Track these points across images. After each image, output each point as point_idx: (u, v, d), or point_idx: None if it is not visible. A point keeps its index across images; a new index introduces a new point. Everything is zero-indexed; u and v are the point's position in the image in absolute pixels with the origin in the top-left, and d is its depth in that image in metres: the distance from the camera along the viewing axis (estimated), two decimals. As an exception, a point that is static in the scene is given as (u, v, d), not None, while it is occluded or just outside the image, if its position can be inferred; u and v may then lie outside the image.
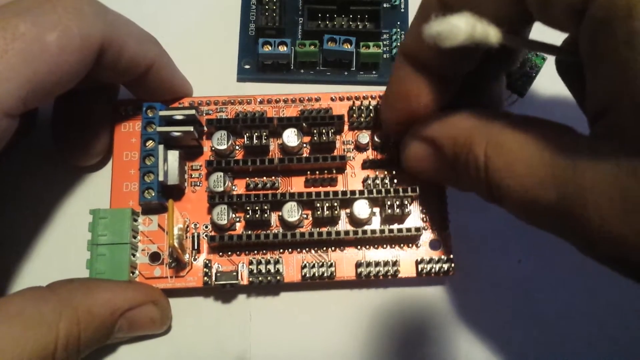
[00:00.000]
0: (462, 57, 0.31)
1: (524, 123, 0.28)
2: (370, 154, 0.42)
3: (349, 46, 0.45)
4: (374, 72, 0.46)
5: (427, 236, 0.41)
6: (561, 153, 0.25)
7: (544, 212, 0.27)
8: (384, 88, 0.42)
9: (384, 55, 0.46)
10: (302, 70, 0.46)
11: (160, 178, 0.39)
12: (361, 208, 0.39)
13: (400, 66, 0.34)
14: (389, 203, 0.39)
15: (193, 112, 0.39)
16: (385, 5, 0.47)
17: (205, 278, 0.39)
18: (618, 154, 0.23)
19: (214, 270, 0.40)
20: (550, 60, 0.42)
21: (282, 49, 0.44)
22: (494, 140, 0.29)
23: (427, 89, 0.33)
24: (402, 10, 0.48)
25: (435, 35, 0.27)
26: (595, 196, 0.24)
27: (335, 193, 0.39)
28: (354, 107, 0.42)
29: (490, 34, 0.27)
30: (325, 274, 0.39)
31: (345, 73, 0.46)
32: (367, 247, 0.41)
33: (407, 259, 0.40)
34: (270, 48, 0.44)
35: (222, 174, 0.40)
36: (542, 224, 0.28)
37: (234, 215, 0.40)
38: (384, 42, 0.47)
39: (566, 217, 0.25)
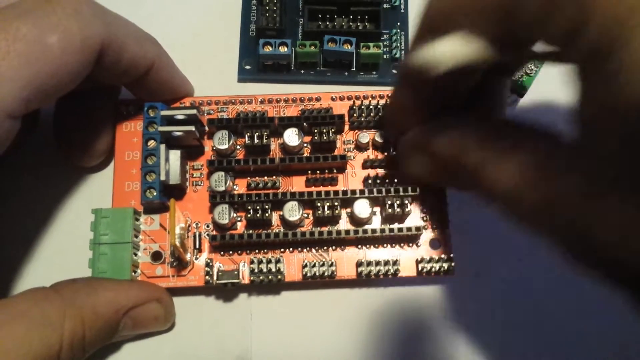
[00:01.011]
0: (457, 80, 0.31)
1: (515, 130, 0.29)
2: (370, 153, 0.42)
3: (349, 47, 0.45)
4: (374, 73, 0.46)
5: (427, 235, 0.41)
6: (546, 159, 0.26)
7: (534, 215, 0.27)
8: (384, 88, 0.43)
9: (384, 56, 0.47)
10: (302, 71, 0.46)
11: (162, 177, 0.39)
12: (362, 207, 0.40)
13: (398, 89, 0.34)
14: (389, 202, 0.39)
15: (194, 111, 0.39)
16: (385, 5, 0.48)
17: (207, 277, 0.39)
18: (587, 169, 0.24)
19: (215, 269, 0.40)
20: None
21: (283, 49, 0.45)
22: (485, 151, 0.28)
23: (426, 112, 0.34)
24: (402, 10, 0.48)
25: (423, 64, 0.27)
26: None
27: (336, 192, 0.39)
28: (354, 107, 0.42)
29: (479, 54, 0.26)
30: (326, 273, 0.39)
31: (346, 74, 0.46)
32: (368, 246, 0.41)
33: (407, 258, 0.40)
34: (270, 49, 0.44)
35: (223, 173, 0.40)
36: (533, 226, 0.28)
37: (235, 215, 0.40)
38: (384, 43, 0.47)
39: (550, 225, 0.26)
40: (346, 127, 0.43)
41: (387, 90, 0.43)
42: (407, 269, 0.40)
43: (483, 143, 0.29)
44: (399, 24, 0.48)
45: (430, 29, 0.28)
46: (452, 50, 0.26)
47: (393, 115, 0.37)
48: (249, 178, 0.41)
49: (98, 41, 0.34)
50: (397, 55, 0.46)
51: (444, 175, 0.33)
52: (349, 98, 0.43)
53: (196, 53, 0.47)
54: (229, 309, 0.41)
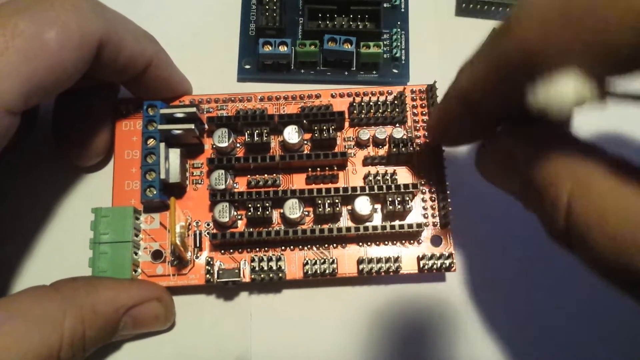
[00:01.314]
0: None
1: (617, 164, 0.24)
2: (371, 150, 0.42)
3: (349, 46, 0.45)
4: (374, 72, 0.46)
5: (428, 232, 0.41)
6: None
7: (636, 278, 0.23)
8: (384, 88, 0.43)
9: (384, 55, 0.47)
10: (302, 70, 0.46)
11: (162, 176, 0.39)
12: (362, 205, 0.39)
13: (451, 108, 0.32)
14: (390, 199, 0.39)
15: (194, 109, 0.39)
16: (385, 5, 0.47)
17: (208, 276, 0.39)
18: None
19: (216, 268, 0.40)
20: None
21: (283, 49, 0.44)
22: (582, 180, 0.24)
23: (478, 130, 0.32)
24: (403, 10, 0.48)
25: (545, 106, 0.23)
26: None
27: (337, 190, 0.39)
28: (354, 104, 0.42)
29: (596, 93, 0.23)
30: (327, 271, 0.39)
31: (346, 73, 0.46)
32: (369, 243, 0.41)
33: (408, 255, 0.40)
34: (270, 48, 0.44)
35: (223, 171, 0.40)
36: (630, 289, 0.24)
37: (235, 213, 0.40)
38: (384, 42, 0.47)
39: None
40: (346, 124, 0.43)
41: (387, 87, 0.43)
42: (409, 266, 0.40)
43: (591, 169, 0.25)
44: (399, 23, 0.48)
45: (529, 64, 0.25)
46: (575, 91, 0.23)
47: (445, 127, 0.35)
48: (249, 176, 0.41)
49: (96, 37, 0.34)
50: (398, 55, 0.46)
51: (519, 188, 0.29)
52: (349, 95, 0.43)
53: (196, 53, 0.47)
54: (230, 308, 0.41)
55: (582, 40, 0.22)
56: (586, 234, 0.24)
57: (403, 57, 0.47)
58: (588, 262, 0.25)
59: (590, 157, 0.25)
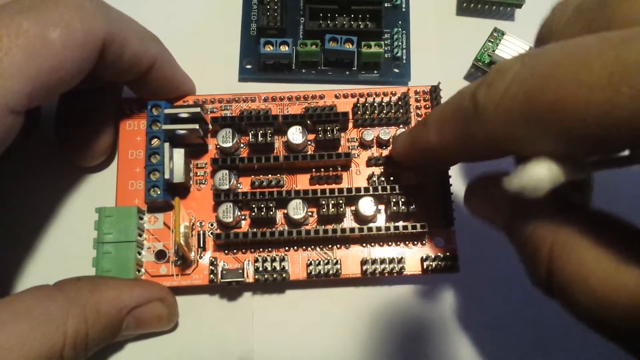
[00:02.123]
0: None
1: (598, 225, 0.24)
2: (375, 151, 0.42)
3: (350, 46, 0.45)
4: (375, 72, 0.46)
5: (432, 233, 0.41)
6: None
7: (616, 331, 0.23)
8: (385, 87, 0.43)
9: (386, 55, 0.47)
10: (303, 70, 0.46)
11: (166, 176, 0.39)
12: (366, 205, 0.39)
13: (416, 150, 0.34)
14: (394, 200, 0.39)
15: (198, 110, 0.39)
16: (386, 4, 0.48)
17: (211, 276, 0.39)
18: None
19: (219, 268, 0.40)
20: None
21: (284, 48, 0.44)
22: (562, 239, 0.25)
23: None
24: (404, 9, 0.48)
25: (520, 191, 0.24)
26: None
27: (341, 190, 0.39)
28: (358, 104, 0.42)
29: (572, 172, 0.24)
30: (330, 272, 0.39)
31: (347, 73, 0.46)
32: (373, 244, 0.41)
33: (412, 256, 0.40)
34: (271, 48, 0.44)
35: (227, 171, 0.40)
36: (611, 339, 0.24)
37: (239, 213, 0.40)
38: (385, 42, 0.47)
39: None
40: (350, 125, 0.43)
41: (390, 88, 0.43)
42: (413, 267, 0.40)
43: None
44: (400, 22, 0.48)
45: (497, 149, 0.26)
46: (548, 172, 0.24)
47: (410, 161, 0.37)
48: (253, 176, 0.41)
49: (100, 36, 0.33)
50: (399, 54, 0.46)
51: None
52: (352, 95, 0.43)
53: (197, 52, 0.47)
54: (233, 309, 0.41)
55: (547, 133, 0.22)
56: (567, 288, 0.24)
57: (404, 57, 0.47)
58: (568, 311, 0.26)
59: (571, 215, 0.25)
